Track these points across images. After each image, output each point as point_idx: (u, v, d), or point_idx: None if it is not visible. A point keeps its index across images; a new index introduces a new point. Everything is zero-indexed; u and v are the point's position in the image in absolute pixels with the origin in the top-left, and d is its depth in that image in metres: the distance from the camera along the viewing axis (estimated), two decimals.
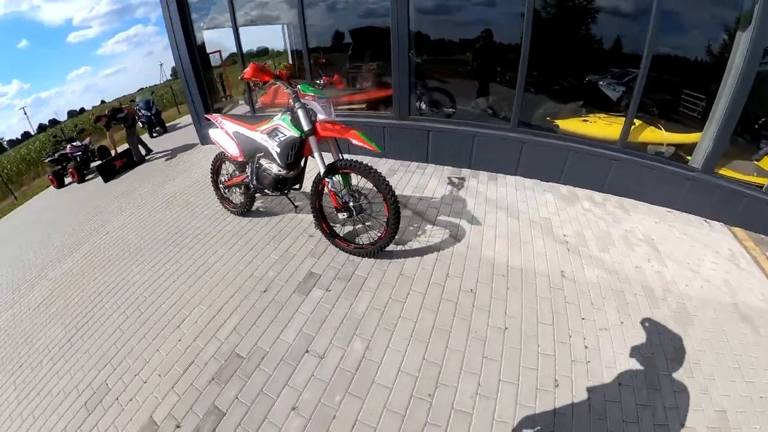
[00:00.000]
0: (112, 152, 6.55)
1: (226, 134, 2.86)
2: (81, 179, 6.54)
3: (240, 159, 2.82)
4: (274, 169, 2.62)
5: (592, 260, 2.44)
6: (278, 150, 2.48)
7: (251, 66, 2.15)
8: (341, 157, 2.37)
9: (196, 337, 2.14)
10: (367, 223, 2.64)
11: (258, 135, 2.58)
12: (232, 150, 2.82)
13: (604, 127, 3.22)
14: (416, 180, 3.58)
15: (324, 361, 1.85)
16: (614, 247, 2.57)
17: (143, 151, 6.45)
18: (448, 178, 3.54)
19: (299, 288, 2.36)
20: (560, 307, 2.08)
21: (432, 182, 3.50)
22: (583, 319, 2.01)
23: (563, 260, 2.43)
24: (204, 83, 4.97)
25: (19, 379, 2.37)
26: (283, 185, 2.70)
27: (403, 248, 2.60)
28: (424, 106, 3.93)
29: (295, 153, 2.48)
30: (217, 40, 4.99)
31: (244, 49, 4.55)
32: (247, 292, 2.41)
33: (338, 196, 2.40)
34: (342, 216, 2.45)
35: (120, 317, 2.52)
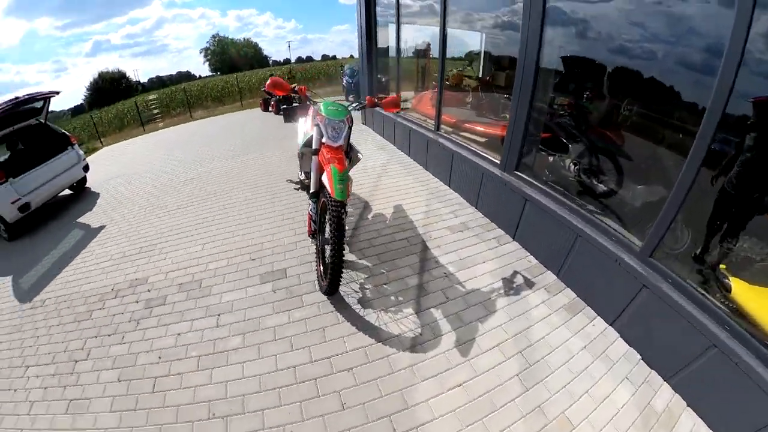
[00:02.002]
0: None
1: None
2: (276, 112, 8.97)
3: None
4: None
5: None
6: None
7: (271, 79, 2.32)
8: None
9: None
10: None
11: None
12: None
13: None
14: (474, 252, 2.74)
15: None
16: None
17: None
18: (519, 274, 2.50)
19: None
20: None
21: (491, 265, 2.58)
22: None
23: None
24: (374, 71, 5.35)
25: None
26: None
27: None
28: (572, 168, 2.77)
29: None
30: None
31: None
32: None
33: (313, 221, 2.36)
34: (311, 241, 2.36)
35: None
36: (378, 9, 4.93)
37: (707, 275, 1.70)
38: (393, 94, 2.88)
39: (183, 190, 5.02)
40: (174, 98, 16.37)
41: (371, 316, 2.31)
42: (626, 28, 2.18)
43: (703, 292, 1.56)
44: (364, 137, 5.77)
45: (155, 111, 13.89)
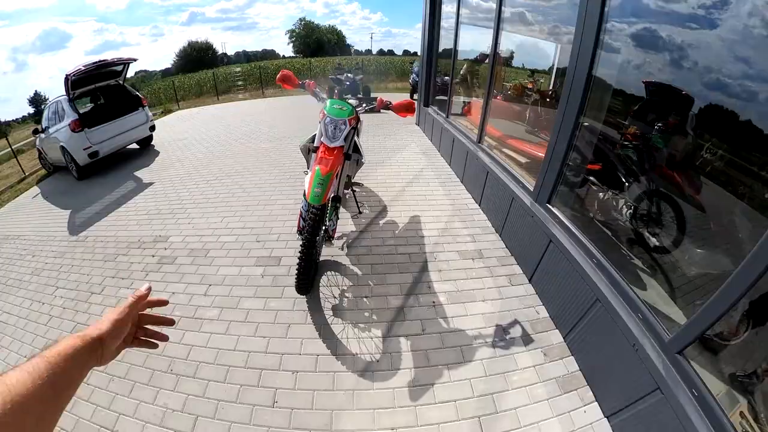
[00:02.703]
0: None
1: None
2: (339, 96, 8.79)
3: None
4: None
5: None
6: None
7: (281, 72, 2.27)
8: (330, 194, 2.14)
9: None
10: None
11: None
12: None
13: None
14: (476, 286, 2.40)
15: None
16: None
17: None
18: (519, 324, 2.10)
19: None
20: None
21: (490, 306, 2.23)
22: None
23: None
24: (432, 73, 5.08)
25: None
26: None
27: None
28: (625, 210, 2.27)
29: None
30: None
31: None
32: None
33: (302, 218, 2.26)
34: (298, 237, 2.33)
35: None
36: (444, 8, 4.66)
37: (755, 410, 1.17)
38: (407, 98, 2.63)
39: (225, 163, 5.36)
40: (252, 74, 17.23)
41: (338, 326, 2.15)
42: (728, 62, 1.65)
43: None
44: (411, 139, 5.56)
45: (239, 83, 14.78)
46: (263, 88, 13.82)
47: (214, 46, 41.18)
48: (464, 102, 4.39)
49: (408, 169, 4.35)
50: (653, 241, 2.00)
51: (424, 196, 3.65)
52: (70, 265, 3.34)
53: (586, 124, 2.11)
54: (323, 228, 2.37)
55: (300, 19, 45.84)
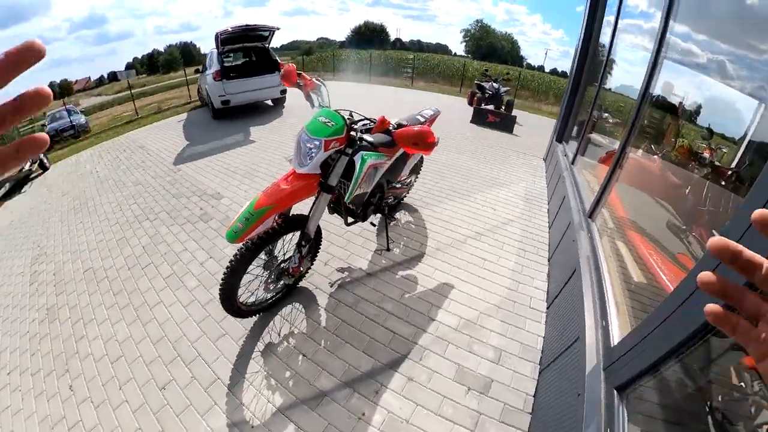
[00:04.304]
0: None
1: None
2: (478, 104, 7.31)
3: None
4: None
5: None
6: None
7: (285, 67, 1.93)
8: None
9: None
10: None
11: None
12: None
13: None
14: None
15: None
16: None
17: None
18: None
19: None
20: None
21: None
22: None
23: None
24: (576, 102, 3.67)
25: None
26: None
27: None
28: None
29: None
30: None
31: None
32: None
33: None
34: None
35: None
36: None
37: None
38: (418, 125, 1.65)
39: None
40: (420, 65, 17.00)
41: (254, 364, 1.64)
42: None
43: None
44: (523, 175, 4.14)
45: (407, 70, 14.78)
46: (413, 80, 13.65)
47: (387, 30, 43.65)
48: (608, 147, 2.92)
49: (489, 214, 3.19)
50: None
51: (482, 262, 2.54)
52: (154, 190, 3.88)
53: None
54: (278, 264, 1.92)
55: (477, 20, 44.52)
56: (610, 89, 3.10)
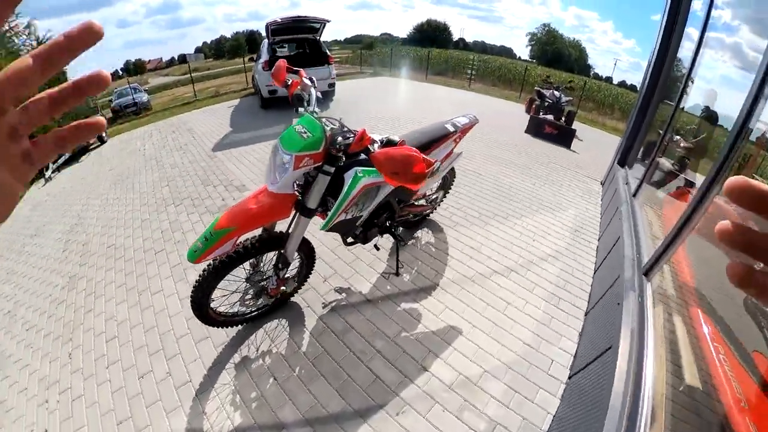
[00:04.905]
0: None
1: None
2: (535, 112, 6.73)
3: None
4: None
5: None
6: None
7: (279, 62, 1.71)
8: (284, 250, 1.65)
9: None
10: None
11: None
12: None
13: None
14: None
15: None
16: None
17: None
18: None
19: None
20: None
21: None
22: None
23: None
24: (646, 121, 3.06)
25: None
26: None
27: None
28: None
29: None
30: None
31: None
32: None
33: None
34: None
35: None
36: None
37: None
38: (406, 147, 1.26)
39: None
40: (481, 67, 16.42)
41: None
42: None
43: None
44: (573, 200, 3.57)
45: (468, 71, 14.25)
46: (471, 82, 13.02)
47: (450, 28, 42.19)
48: (684, 181, 2.34)
49: (525, 245, 2.73)
50: None
51: (504, 306, 2.12)
52: (187, 173, 4.01)
53: None
54: (258, 281, 1.77)
55: (544, 24, 41.45)
56: (695, 114, 2.53)
